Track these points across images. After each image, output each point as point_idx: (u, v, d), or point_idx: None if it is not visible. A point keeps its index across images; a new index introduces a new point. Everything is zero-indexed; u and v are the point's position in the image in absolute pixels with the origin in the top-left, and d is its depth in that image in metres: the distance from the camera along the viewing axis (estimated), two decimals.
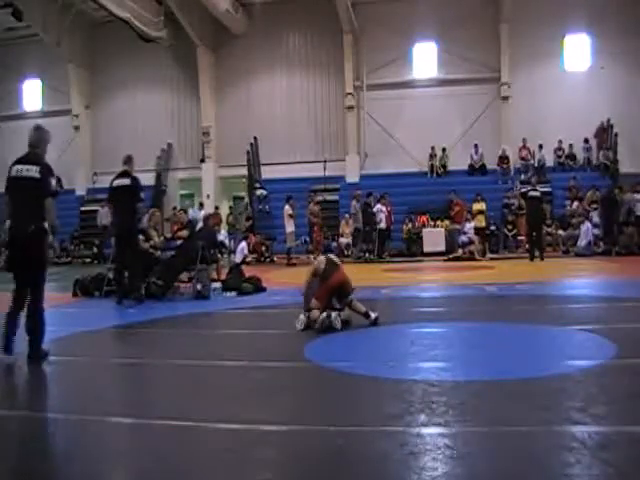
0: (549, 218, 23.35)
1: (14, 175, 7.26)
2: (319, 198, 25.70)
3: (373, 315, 8.59)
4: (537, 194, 21.18)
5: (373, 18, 27.91)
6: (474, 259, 21.71)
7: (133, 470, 4.09)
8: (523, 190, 22.33)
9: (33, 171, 7.16)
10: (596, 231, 22.52)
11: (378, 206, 23.25)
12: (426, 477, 3.60)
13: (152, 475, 3.92)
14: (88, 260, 27.07)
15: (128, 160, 12.51)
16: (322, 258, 9.19)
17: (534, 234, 20.86)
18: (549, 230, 23.05)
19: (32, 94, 33.32)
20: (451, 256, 22.61)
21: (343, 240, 24.91)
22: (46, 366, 7.18)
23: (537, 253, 20.38)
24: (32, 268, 7.05)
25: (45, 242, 7.13)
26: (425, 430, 4.44)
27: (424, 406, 4.90)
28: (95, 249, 27.03)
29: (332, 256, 9.46)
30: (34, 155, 7.45)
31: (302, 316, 8.58)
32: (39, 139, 7.60)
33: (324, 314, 8.27)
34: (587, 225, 22.25)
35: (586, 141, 26.58)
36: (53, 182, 7.40)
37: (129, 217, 12.21)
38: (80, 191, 31.27)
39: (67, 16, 29.47)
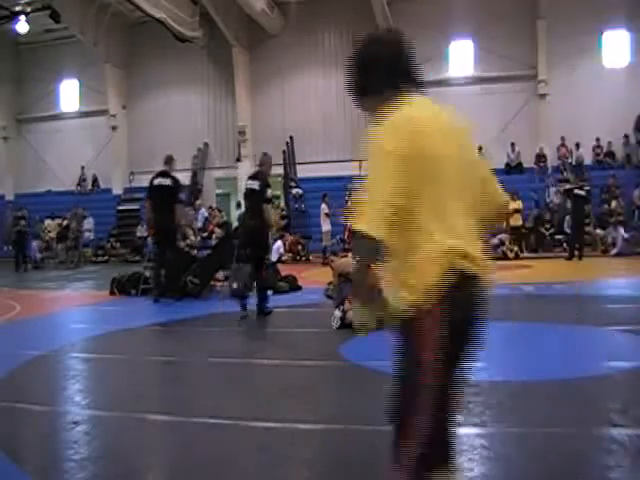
0: (588, 217, 23.06)
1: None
2: None
3: None
4: (582, 193, 21.05)
5: (409, 16, 27.71)
6: (508, 258, 21.54)
7: (168, 468, 4.12)
8: (567, 187, 22.10)
9: (256, 185, 10.06)
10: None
11: None
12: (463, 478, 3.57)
13: (188, 473, 3.94)
14: (133, 259, 26.95)
15: (169, 160, 12.66)
16: (350, 260, 9.11)
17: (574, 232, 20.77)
18: (588, 229, 22.77)
19: (70, 94, 33.71)
20: None
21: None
22: (84, 363, 7.29)
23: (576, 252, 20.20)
24: (258, 252, 10.23)
25: (265, 234, 10.27)
26: (462, 430, 4.40)
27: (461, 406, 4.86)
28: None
29: None
30: (256, 172, 10.61)
31: (337, 312, 8.57)
32: (262, 161, 10.63)
33: (336, 312, 8.29)
34: (620, 232, 21.98)
35: (626, 137, 26.15)
36: (269, 191, 10.13)
37: (168, 216, 12.32)
38: (117, 190, 31.57)
39: (104, 17, 29.82)
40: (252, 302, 10.09)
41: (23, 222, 26.01)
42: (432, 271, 2.29)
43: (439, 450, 2.41)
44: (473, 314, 2.39)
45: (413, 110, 2.49)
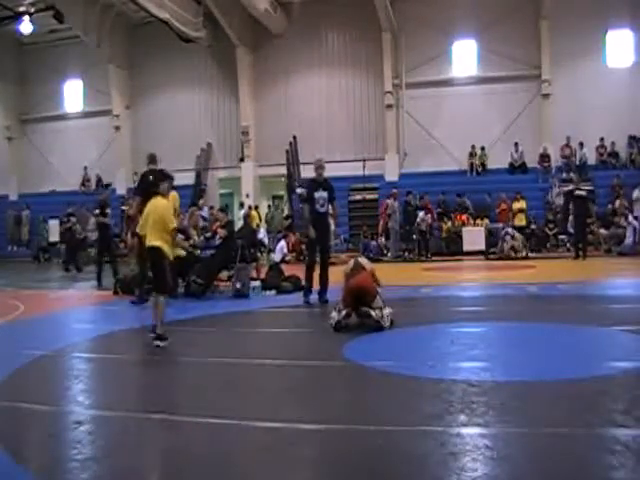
0: (592, 217, 23.04)
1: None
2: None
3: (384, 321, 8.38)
4: (583, 193, 21.07)
5: (412, 16, 27.72)
6: (513, 258, 21.52)
7: (169, 468, 4.11)
8: (569, 188, 22.10)
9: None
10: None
11: (422, 214, 23.20)
12: (466, 478, 3.56)
13: (189, 473, 3.93)
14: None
15: (154, 159, 11.92)
16: (352, 261, 9.28)
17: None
18: (592, 229, 22.75)
19: (73, 95, 33.75)
20: (490, 255, 22.49)
21: (382, 239, 24.84)
22: (87, 363, 7.29)
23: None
24: (327, 241, 12.11)
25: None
26: (465, 430, 4.40)
27: (464, 406, 4.86)
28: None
29: (361, 260, 9.45)
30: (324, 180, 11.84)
31: (334, 313, 8.57)
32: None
33: (333, 314, 8.47)
34: (634, 224, 22.00)
35: (632, 138, 26.06)
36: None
37: None
38: (121, 190, 31.57)
39: (107, 18, 29.88)
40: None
41: (73, 219, 25.07)
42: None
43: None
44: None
45: (153, 200, 8.19)
